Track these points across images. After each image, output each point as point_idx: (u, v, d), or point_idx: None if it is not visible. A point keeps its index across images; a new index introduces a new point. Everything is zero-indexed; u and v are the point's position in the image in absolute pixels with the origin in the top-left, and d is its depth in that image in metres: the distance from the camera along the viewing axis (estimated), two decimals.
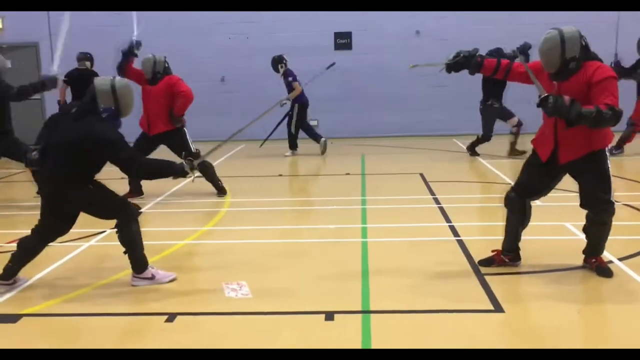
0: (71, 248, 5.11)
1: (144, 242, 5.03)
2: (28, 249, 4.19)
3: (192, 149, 6.95)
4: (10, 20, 13.30)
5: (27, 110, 13.05)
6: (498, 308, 3.73)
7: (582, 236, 5.00)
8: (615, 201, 4.13)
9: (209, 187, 7.36)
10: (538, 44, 4.01)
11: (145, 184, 7.20)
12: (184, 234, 5.63)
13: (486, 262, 4.46)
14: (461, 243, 5.06)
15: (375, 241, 5.23)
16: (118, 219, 4.16)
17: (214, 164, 7.53)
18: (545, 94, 3.81)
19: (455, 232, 5.39)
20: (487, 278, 4.22)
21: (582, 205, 4.19)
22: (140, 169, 4.13)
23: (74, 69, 9.51)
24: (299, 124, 10.69)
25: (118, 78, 4.16)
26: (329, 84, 13.09)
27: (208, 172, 7.18)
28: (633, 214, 6.01)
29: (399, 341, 3.33)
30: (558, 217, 5.78)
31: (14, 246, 5.34)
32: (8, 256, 5.12)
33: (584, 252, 4.34)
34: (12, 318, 3.74)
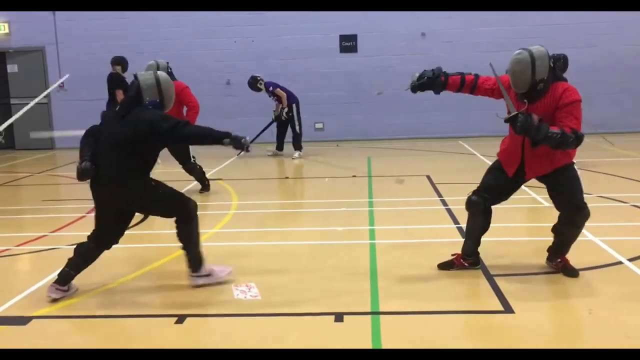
0: None
1: (155, 245, 5.06)
2: (84, 255, 4.13)
3: (192, 157, 7.42)
4: (17, 24, 13.37)
5: (34, 114, 13.14)
6: (508, 309, 3.72)
7: (591, 237, 5.01)
8: (588, 195, 4.14)
9: (217, 189, 7.40)
10: (507, 64, 4.00)
11: None
12: None
13: (445, 266, 4.45)
14: None
15: (384, 243, 5.23)
16: (179, 215, 4.14)
17: (221, 166, 7.57)
18: (516, 112, 3.84)
19: (463, 234, 5.37)
20: (497, 279, 4.21)
21: (557, 208, 4.20)
22: (194, 136, 4.04)
23: (110, 72, 9.73)
24: (300, 122, 10.86)
25: (160, 72, 4.18)
26: (334, 86, 13.14)
27: (197, 172, 7.53)
28: (633, 213, 5.98)
29: (408, 342, 3.32)
30: None
31: (22, 249, 5.38)
32: (18, 258, 5.17)
33: (548, 250, 4.35)
34: (23, 320, 3.76)
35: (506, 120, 3.90)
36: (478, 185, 4.37)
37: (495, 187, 4.27)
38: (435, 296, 3.99)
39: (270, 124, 11.15)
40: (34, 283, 4.40)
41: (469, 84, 4.28)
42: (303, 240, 5.54)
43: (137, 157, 4.00)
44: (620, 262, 4.46)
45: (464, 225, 5.60)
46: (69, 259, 4.13)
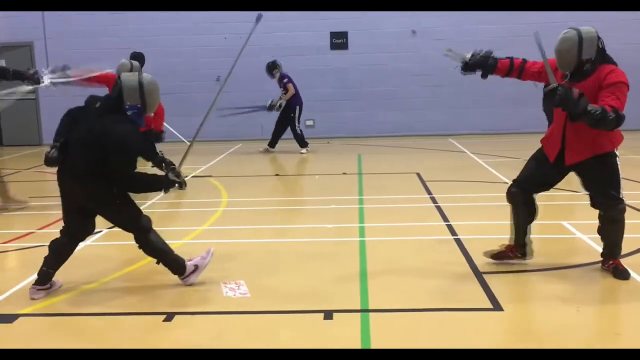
0: None
1: None
2: (59, 251, 4.07)
3: (159, 152, 7.14)
4: (4, 19, 13.23)
5: (21, 109, 13.02)
6: (497, 306, 3.72)
7: (581, 235, 5.03)
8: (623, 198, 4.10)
9: (207, 186, 7.36)
10: (555, 43, 3.96)
11: None
12: (181, 234, 5.59)
13: (497, 257, 4.42)
14: (459, 242, 5.05)
15: (373, 240, 5.22)
16: (134, 232, 4.07)
17: (211, 163, 7.53)
18: (556, 84, 3.78)
19: (452, 231, 5.39)
20: (486, 277, 4.21)
21: (592, 204, 4.17)
22: (130, 186, 3.98)
23: None
24: (299, 123, 11.00)
25: (146, 74, 3.99)
26: (325, 83, 13.11)
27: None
28: (630, 212, 6.00)
29: (397, 340, 3.31)
30: (555, 216, 5.78)
31: (9, 246, 5.32)
32: (4, 256, 5.12)
33: (602, 255, 4.29)
34: (9, 318, 3.72)
35: (546, 93, 3.85)
36: (518, 175, 4.33)
37: (535, 176, 4.24)
38: (425, 294, 3.99)
39: (260, 109, 11.02)
40: (21, 281, 4.36)
41: (517, 68, 4.25)
42: (293, 237, 5.53)
43: (99, 159, 3.85)
44: None
45: (453, 223, 5.64)
46: (45, 257, 4.08)
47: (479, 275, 4.26)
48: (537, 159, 4.27)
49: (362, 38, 13.02)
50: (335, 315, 3.64)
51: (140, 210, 4.13)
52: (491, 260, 4.44)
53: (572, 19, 12.09)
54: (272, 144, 11.13)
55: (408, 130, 13.03)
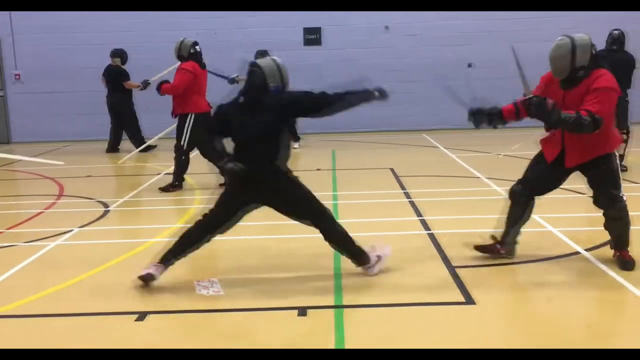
0: (38, 248, 4.99)
1: (114, 241, 4.96)
2: (190, 242, 4.15)
3: (183, 141, 7.17)
4: None
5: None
6: (469, 300, 3.76)
7: (551, 228, 5.12)
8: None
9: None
10: (549, 51, 4.00)
11: (117, 180, 7.03)
12: (155, 232, 5.54)
13: (482, 249, 4.45)
14: (432, 237, 5.09)
15: None
16: (320, 221, 4.17)
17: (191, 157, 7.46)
18: (530, 95, 3.87)
19: (426, 226, 5.42)
20: (458, 271, 4.25)
21: (594, 202, 4.23)
22: (336, 102, 4.29)
23: (108, 64, 10.60)
24: None
25: (274, 57, 4.23)
26: (298, 79, 13.02)
27: (180, 162, 7.26)
28: None
29: (372, 335, 3.33)
30: None
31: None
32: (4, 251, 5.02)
33: (610, 247, 4.35)
34: None
35: (521, 103, 3.94)
36: (523, 175, 4.36)
37: (537, 177, 4.28)
38: (398, 289, 4.01)
39: (225, 78, 10.75)
40: None
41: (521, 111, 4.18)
42: (266, 234, 5.51)
43: (274, 149, 4.04)
44: (577, 252, 4.55)
45: (427, 218, 5.67)
46: (175, 242, 4.14)
47: (451, 269, 4.30)
48: (539, 161, 4.28)
49: (335, 34, 13.02)
50: (309, 311, 3.64)
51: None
52: (469, 253, 4.48)
53: (539, 14, 12.29)
54: (298, 138, 11.10)
55: (382, 126, 13.07)
